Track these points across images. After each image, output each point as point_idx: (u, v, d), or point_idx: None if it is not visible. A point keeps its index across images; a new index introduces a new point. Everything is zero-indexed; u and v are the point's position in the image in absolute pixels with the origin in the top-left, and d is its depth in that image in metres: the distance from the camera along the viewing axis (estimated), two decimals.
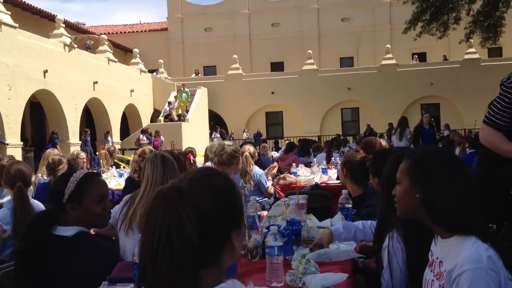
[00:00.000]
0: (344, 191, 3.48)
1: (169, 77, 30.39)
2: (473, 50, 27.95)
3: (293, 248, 2.71)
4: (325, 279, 2.15)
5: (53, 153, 6.38)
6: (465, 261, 1.66)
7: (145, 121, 26.39)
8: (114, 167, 8.58)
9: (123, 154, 18.63)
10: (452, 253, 1.75)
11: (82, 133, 20.16)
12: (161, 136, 21.93)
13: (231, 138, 26.02)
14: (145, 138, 21.47)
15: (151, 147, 6.67)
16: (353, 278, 2.41)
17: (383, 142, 6.71)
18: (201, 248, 1.20)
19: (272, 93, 29.70)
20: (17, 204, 3.38)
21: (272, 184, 6.30)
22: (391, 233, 2.36)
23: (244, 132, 28.55)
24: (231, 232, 1.28)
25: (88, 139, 20.06)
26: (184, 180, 1.29)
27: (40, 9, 22.79)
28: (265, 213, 3.56)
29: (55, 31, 19.84)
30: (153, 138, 21.77)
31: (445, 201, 1.79)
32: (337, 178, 6.61)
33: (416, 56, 31.33)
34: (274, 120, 30.77)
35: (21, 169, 3.67)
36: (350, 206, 3.37)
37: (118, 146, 20.03)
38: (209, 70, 34.75)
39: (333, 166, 7.74)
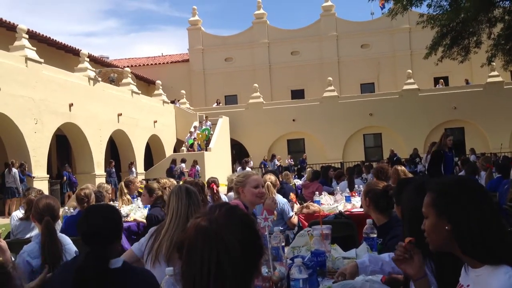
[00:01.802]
0: (368, 221, 3.44)
1: (191, 107, 30.73)
2: (495, 73, 27.73)
3: (318, 279, 2.69)
4: None
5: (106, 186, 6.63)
6: None
7: (168, 151, 26.63)
8: (139, 198, 8.64)
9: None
10: (484, 283, 1.71)
11: (107, 164, 20.42)
12: (197, 166, 22.21)
13: (263, 165, 25.98)
14: (184, 165, 21.77)
15: (172, 180, 6.73)
16: None
17: (401, 169, 6.67)
18: (246, 274, 1.30)
19: (293, 120, 29.76)
20: (45, 238, 3.44)
21: (295, 213, 6.27)
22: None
23: (275, 159, 27.52)
24: (260, 259, 1.35)
25: (113, 170, 20.30)
26: (213, 213, 1.36)
27: (64, 44, 23.41)
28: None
29: (80, 65, 20.32)
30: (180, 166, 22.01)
31: (473, 231, 1.76)
32: (361, 206, 6.56)
33: (441, 80, 31.09)
34: (295, 148, 30.73)
35: (50, 203, 3.74)
36: (375, 235, 3.33)
37: (142, 177, 20.23)
38: (230, 99, 35.05)
39: (356, 194, 7.68)
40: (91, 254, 2.41)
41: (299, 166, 27.24)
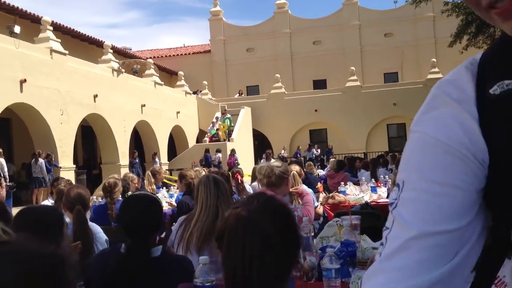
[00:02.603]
0: None
1: (213, 98, 30.81)
2: None
3: (349, 269, 2.69)
4: None
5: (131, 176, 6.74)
6: None
7: (191, 142, 26.79)
8: (164, 188, 8.73)
9: (170, 174, 18.94)
10: None
11: (131, 155, 20.62)
12: (236, 155, 22.53)
13: (297, 155, 25.81)
14: (220, 155, 22.19)
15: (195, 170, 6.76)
16: None
17: None
18: (286, 263, 1.32)
19: (316, 110, 29.61)
20: (76, 227, 3.49)
21: (321, 203, 6.27)
22: None
23: (313, 148, 27.12)
24: (298, 249, 1.36)
25: (136, 161, 20.47)
26: (252, 203, 1.37)
27: (88, 35, 23.63)
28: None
29: (103, 57, 20.51)
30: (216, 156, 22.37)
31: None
32: (387, 197, 6.53)
33: None
34: (318, 138, 30.60)
35: (81, 193, 3.81)
36: None
37: (165, 167, 20.39)
38: (252, 90, 35.02)
39: (382, 184, 7.64)
40: (134, 245, 2.45)
41: (324, 156, 26.96)
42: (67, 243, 2.56)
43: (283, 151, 26.90)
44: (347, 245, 2.80)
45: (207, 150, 22.57)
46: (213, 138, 25.58)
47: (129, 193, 6.79)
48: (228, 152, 23.03)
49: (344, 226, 2.98)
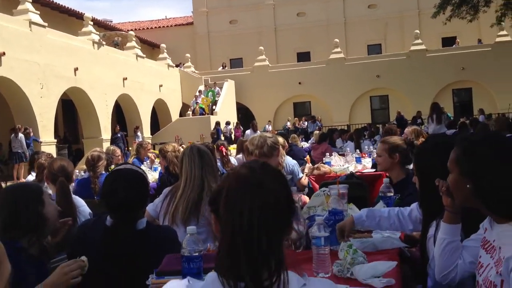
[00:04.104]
0: (385, 180, 3.45)
1: (196, 71, 30.51)
2: (504, 32, 27.25)
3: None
4: (375, 268, 2.12)
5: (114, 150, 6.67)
6: None
7: (174, 116, 26.59)
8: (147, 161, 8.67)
9: (153, 148, 18.81)
10: (510, 239, 1.69)
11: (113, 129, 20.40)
12: (241, 127, 23.03)
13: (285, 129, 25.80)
14: (231, 127, 22.74)
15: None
16: (400, 267, 2.38)
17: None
18: (283, 226, 1.29)
19: (299, 83, 29.52)
20: (60, 198, 3.42)
21: (306, 175, 6.27)
22: (436, 222, 2.32)
23: (317, 120, 26.77)
24: (293, 215, 1.33)
25: (119, 135, 20.16)
26: (248, 166, 1.34)
27: (68, 7, 23.12)
28: (306, 198, 3.55)
29: (84, 29, 20.11)
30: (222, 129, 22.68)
31: (497, 190, 1.74)
32: (372, 167, 6.55)
33: (458, 40, 30.41)
34: (302, 111, 30.55)
35: (64, 165, 3.74)
36: (392, 194, 3.32)
37: (148, 141, 20.24)
38: (236, 63, 34.75)
39: (366, 155, 7.67)
40: (118, 221, 2.44)
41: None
42: (53, 213, 2.51)
43: (267, 126, 26.82)
44: (334, 213, 2.78)
45: (217, 123, 22.65)
46: (193, 114, 25.39)
47: (112, 166, 6.71)
48: (212, 126, 22.98)
49: (332, 195, 2.96)
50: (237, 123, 22.91)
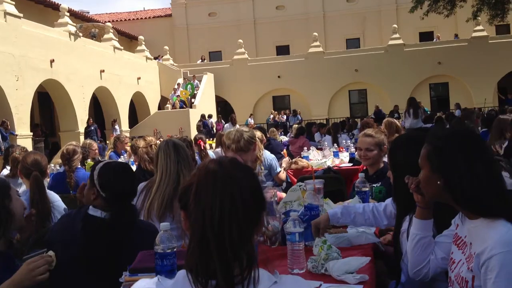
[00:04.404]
0: (360, 174, 3.47)
1: (174, 64, 30.28)
2: (480, 28, 27.62)
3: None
4: (348, 264, 2.13)
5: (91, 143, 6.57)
6: (495, 244, 1.62)
7: (153, 109, 26.38)
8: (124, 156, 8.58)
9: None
10: (481, 235, 1.71)
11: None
12: (223, 121, 23.04)
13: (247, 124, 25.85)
14: (213, 121, 22.87)
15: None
16: (374, 263, 2.40)
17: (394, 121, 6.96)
18: (254, 221, 1.29)
19: (279, 77, 29.52)
20: (34, 193, 3.36)
21: (284, 169, 6.27)
22: (410, 217, 2.35)
23: (297, 114, 27.21)
24: (264, 211, 1.33)
25: (92, 128, 19.80)
26: (217, 162, 1.34)
27: None
28: (282, 194, 3.55)
29: (60, 20, 19.76)
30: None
31: (467, 186, 1.75)
32: (350, 161, 6.59)
33: (438, 34, 30.72)
34: (281, 105, 30.58)
35: (37, 159, 3.68)
36: (367, 189, 3.35)
37: (127, 134, 20.05)
38: (215, 56, 34.58)
39: (344, 149, 7.70)
40: (121, 211, 2.45)
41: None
42: (19, 210, 2.47)
43: (249, 119, 26.79)
44: (310, 208, 2.79)
45: (203, 116, 22.70)
46: (172, 107, 25.25)
47: (89, 160, 6.63)
48: (198, 118, 22.97)
49: (307, 190, 2.97)
50: (219, 116, 22.89)
